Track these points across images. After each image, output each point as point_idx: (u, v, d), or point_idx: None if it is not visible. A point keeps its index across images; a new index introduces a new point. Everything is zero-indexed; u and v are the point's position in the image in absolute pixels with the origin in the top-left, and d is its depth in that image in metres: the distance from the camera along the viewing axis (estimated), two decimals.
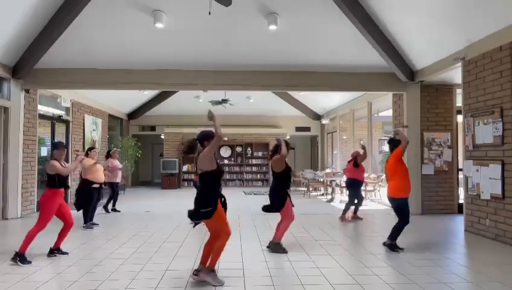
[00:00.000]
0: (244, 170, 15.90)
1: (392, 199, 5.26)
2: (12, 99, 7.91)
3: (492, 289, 3.76)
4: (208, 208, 3.77)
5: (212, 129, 3.91)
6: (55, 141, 6.35)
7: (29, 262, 4.56)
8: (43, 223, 4.70)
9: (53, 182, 4.77)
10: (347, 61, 8.54)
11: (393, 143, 5.34)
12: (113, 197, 8.75)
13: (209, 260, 3.93)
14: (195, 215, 3.86)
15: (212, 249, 3.94)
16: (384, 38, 7.58)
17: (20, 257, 4.56)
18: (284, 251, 5.10)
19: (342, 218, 7.58)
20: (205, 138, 4.00)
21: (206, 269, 3.91)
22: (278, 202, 5.18)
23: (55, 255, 4.83)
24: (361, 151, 7.79)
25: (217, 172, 3.89)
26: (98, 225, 6.96)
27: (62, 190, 4.86)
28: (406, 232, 5.35)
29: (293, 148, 5.36)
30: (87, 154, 7.17)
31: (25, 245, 4.63)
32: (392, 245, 5.16)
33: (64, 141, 10.15)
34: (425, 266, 4.48)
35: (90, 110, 11.63)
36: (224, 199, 4.00)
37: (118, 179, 8.82)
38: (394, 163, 5.21)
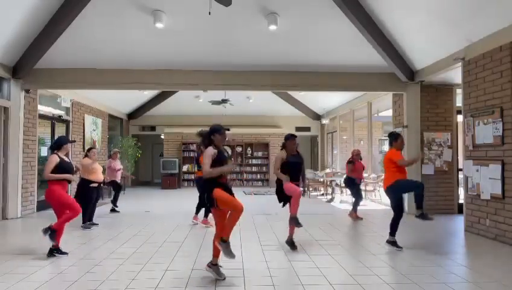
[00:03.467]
0: (244, 170, 15.90)
1: (385, 191, 5.36)
2: (12, 99, 7.91)
3: (492, 289, 3.76)
4: (205, 193, 3.93)
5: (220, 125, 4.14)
6: (59, 136, 6.42)
7: (57, 244, 4.79)
8: (72, 209, 4.82)
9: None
10: (347, 61, 8.54)
11: (393, 137, 5.42)
12: (116, 194, 8.74)
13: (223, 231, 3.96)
14: (204, 200, 4.01)
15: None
16: (384, 38, 7.58)
17: (51, 232, 4.72)
18: (298, 224, 5.20)
19: (353, 216, 7.74)
20: (211, 132, 4.08)
21: (218, 241, 3.94)
22: (278, 190, 5.34)
23: (54, 255, 4.83)
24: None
25: (215, 160, 3.94)
26: (97, 224, 6.95)
27: (64, 182, 4.92)
28: (407, 232, 5.37)
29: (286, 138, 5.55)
30: (86, 155, 7.20)
31: (59, 225, 4.79)
32: (392, 242, 5.20)
33: None
34: (425, 266, 4.48)
35: (90, 110, 11.63)
36: (229, 189, 4.00)
37: (118, 179, 8.80)
38: (388, 161, 5.31)
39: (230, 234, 3.93)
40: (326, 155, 16.28)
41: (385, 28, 7.40)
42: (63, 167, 4.92)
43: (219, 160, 3.96)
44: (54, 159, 4.90)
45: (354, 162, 8.01)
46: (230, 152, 15.61)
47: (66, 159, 5.05)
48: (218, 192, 3.86)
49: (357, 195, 7.93)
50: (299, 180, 5.38)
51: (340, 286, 3.81)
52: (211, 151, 3.96)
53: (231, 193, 3.96)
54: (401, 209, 5.22)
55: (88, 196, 6.86)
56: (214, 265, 4.03)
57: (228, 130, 4.22)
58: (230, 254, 3.87)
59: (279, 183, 5.33)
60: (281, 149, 5.42)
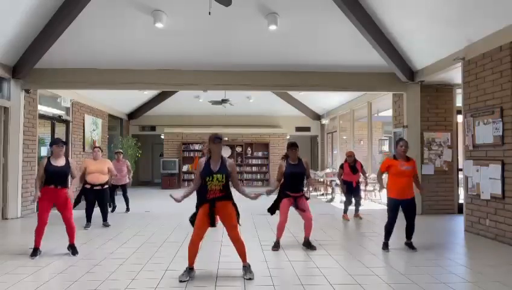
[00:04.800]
0: (244, 170, 15.89)
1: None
2: (12, 99, 7.91)
3: (492, 289, 3.76)
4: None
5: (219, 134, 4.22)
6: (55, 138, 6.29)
7: (35, 255, 4.79)
8: (38, 219, 4.87)
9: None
10: (347, 61, 8.54)
11: (396, 142, 5.43)
12: (124, 197, 8.89)
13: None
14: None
15: (234, 244, 4.17)
16: (384, 38, 7.57)
17: (32, 250, 4.85)
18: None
19: (358, 216, 7.97)
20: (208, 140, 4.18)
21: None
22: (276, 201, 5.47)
23: (70, 253, 4.94)
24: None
25: (200, 175, 4.09)
26: (109, 225, 6.96)
27: (50, 187, 4.85)
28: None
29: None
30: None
31: (35, 240, 4.86)
32: (383, 243, 5.26)
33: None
34: (425, 266, 4.48)
35: (90, 110, 11.63)
36: (211, 207, 4.03)
37: (122, 181, 8.72)
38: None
39: (192, 262, 4.05)
40: (326, 155, 16.28)
41: (385, 28, 7.40)
42: (48, 171, 4.86)
43: (201, 175, 4.06)
44: (41, 163, 4.94)
45: (343, 165, 8.05)
46: (230, 152, 15.60)
47: (55, 162, 4.90)
48: (198, 213, 4.06)
49: (346, 197, 8.03)
50: (298, 191, 5.30)
51: (340, 286, 3.81)
52: (200, 165, 4.12)
53: (212, 213, 4.03)
54: (393, 218, 5.17)
55: (85, 198, 6.86)
56: (244, 267, 4.15)
57: (220, 139, 4.30)
58: (180, 277, 3.97)
59: (279, 194, 5.41)
60: (284, 159, 5.36)
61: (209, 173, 4.01)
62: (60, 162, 4.95)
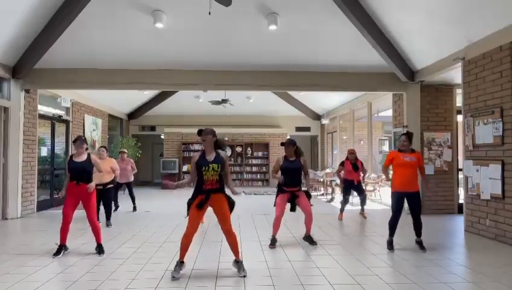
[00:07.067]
0: (244, 170, 15.90)
1: None
2: (12, 99, 7.91)
3: (492, 289, 3.76)
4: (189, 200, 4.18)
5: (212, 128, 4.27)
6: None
7: (58, 254, 4.84)
8: (62, 216, 4.93)
9: None
10: (347, 61, 8.54)
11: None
12: (130, 196, 8.96)
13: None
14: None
15: (226, 237, 4.21)
16: (384, 38, 7.58)
17: (57, 248, 4.92)
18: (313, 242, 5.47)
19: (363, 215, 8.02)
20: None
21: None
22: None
23: (96, 252, 5.00)
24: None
25: (196, 165, 4.14)
26: (111, 225, 6.97)
27: (72, 183, 4.96)
28: (407, 232, 5.37)
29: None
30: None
31: (59, 237, 4.94)
32: (387, 242, 5.26)
33: (65, 141, 10.19)
34: (425, 266, 4.48)
35: (90, 110, 11.63)
36: (205, 197, 4.08)
37: (126, 179, 8.75)
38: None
39: (183, 256, 4.11)
40: (326, 155, 16.28)
41: (385, 28, 7.40)
42: (68, 167, 5.04)
43: (198, 165, 4.11)
44: (67, 161, 5.07)
45: (344, 163, 8.03)
46: (230, 152, 15.57)
47: (77, 159, 5.01)
48: (192, 207, 4.10)
49: (344, 196, 8.02)
50: (294, 186, 5.43)
51: (340, 286, 3.81)
52: (193, 158, 4.19)
53: (203, 204, 4.08)
54: (397, 212, 5.20)
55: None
56: (236, 262, 4.20)
57: (208, 134, 4.20)
58: (172, 273, 4.02)
59: (277, 191, 5.52)
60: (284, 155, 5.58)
61: (205, 163, 4.09)
62: (82, 158, 5.06)
